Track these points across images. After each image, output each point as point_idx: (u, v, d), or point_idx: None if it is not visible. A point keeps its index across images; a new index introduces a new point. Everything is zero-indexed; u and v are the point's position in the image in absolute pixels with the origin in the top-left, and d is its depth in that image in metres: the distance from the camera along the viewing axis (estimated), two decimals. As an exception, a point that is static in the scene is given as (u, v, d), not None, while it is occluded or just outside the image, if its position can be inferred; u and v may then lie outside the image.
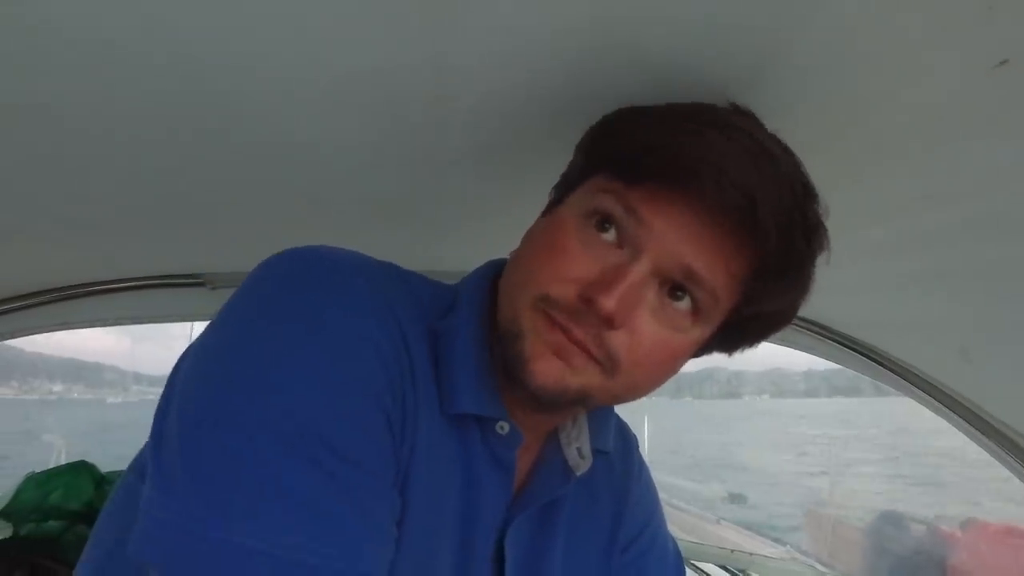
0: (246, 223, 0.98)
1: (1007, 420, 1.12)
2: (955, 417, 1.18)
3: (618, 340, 0.49)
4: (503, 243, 0.63)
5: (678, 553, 0.76)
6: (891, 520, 7.29)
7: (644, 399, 0.57)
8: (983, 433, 1.14)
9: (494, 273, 0.60)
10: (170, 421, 0.43)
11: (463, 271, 0.64)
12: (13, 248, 1.04)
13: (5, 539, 1.27)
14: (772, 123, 0.57)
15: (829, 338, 1.35)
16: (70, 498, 1.38)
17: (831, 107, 0.60)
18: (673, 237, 0.48)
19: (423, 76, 0.56)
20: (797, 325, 1.37)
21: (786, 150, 0.52)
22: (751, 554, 2.13)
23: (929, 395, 1.22)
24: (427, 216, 0.96)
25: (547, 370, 0.48)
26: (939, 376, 1.20)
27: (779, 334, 1.40)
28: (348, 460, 0.42)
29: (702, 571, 2.09)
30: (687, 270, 0.49)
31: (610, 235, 0.50)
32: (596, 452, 0.64)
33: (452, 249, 1.12)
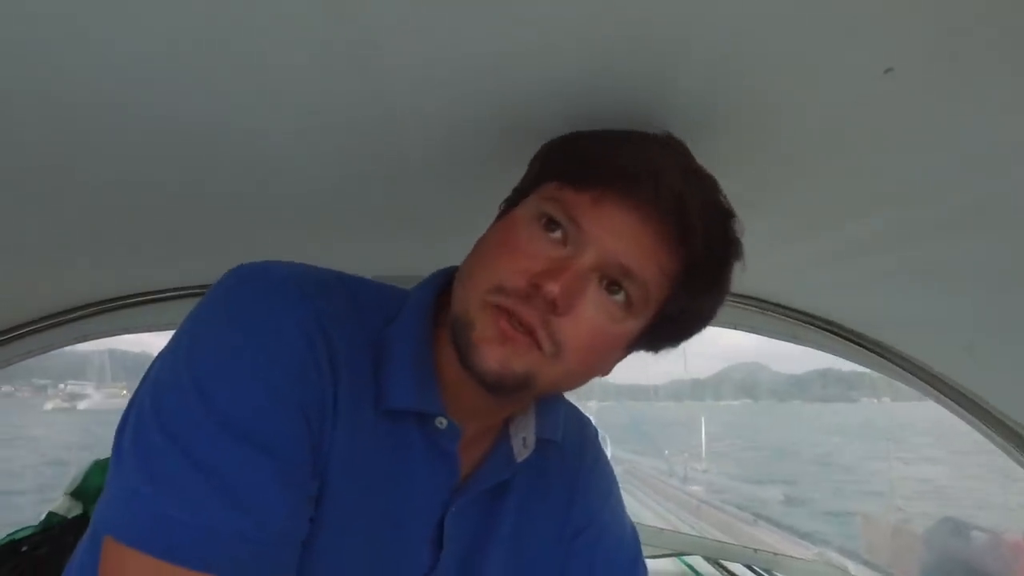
0: (250, 236, 1.07)
1: (1009, 412, 1.13)
2: (960, 410, 1.20)
3: (563, 325, 0.54)
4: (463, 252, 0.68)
5: (635, 538, 0.79)
6: (951, 527, 7.01)
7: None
8: (986, 424, 1.16)
9: (443, 279, 0.66)
10: (131, 413, 0.53)
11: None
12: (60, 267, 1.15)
13: (77, 516, 1.42)
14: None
15: (839, 335, 1.38)
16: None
17: (777, 118, 0.65)
18: (611, 239, 0.55)
19: (371, 104, 0.62)
20: (810, 323, 1.40)
21: (710, 176, 0.60)
22: (775, 554, 2.12)
23: (935, 389, 1.24)
24: (403, 227, 1.04)
25: (493, 353, 0.54)
26: (945, 371, 1.22)
27: (792, 332, 1.44)
28: (264, 447, 0.50)
29: (727, 570, 2.11)
30: (623, 267, 0.55)
31: (556, 235, 0.56)
32: (544, 441, 0.69)
33: (427, 255, 1.18)
